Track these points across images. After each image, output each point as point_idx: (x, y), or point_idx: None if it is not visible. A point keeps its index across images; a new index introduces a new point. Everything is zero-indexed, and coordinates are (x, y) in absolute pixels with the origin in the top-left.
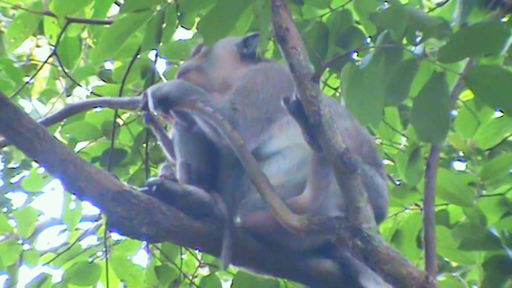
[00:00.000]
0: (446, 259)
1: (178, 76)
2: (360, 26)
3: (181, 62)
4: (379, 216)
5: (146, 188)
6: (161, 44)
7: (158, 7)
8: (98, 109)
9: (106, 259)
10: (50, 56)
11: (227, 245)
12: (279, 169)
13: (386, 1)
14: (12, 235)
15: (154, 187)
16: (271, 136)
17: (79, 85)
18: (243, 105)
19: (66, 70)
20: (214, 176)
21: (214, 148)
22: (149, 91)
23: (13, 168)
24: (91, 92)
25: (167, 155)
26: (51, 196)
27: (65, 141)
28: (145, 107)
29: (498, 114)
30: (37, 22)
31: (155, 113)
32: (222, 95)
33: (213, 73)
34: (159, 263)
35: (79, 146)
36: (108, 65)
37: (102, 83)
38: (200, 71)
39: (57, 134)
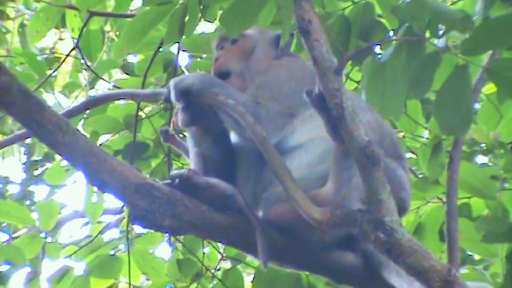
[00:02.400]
0: (468, 252)
1: (216, 74)
2: (382, 19)
3: (204, 56)
4: (402, 209)
5: (169, 181)
6: (183, 37)
7: (181, 0)
8: (121, 102)
9: (128, 252)
10: (72, 49)
11: (262, 244)
12: (301, 162)
13: None
14: (34, 227)
15: (177, 180)
16: (293, 130)
17: (101, 78)
18: (265, 99)
19: (89, 63)
20: (232, 170)
21: (231, 143)
22: (171, 82)
23: (36, 160)
24: (114, 85)
25: (192, 164)
26: (74, 189)
27: (87, 134)
28: (168, 99)
29: None
30: (59, 15)
31: (175, 104)
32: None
33: (251, 76)
34: (181, 256)
35: (102, 139)
36: (130, 58)
37: (125, 76)
38: (241, 76)
39: (79, 127)
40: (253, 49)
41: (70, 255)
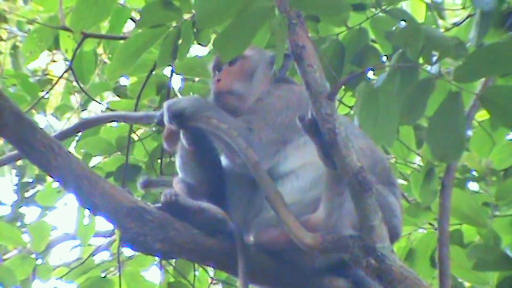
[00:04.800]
0: (459, 279)
1: (219, 95)
2: (376, 45)
3: (197, 79)
4: (393, 236)
5: (160, 204)
6: (176, 60)
7: (174, 23)
8: (113, 124)
9: (119, 274)
10: (66, 71)
11: (242, 268)
12: (293, 188)
13: (403, 20)
14: (25, 249)
15: (167, 203)
16: (286, 156)
17: (94, 100)
18: (259, 126)
19: (81, 85)
20: (222, 195)
21: (221, 168)
22: (164, 105)
23: (27, 182)
24: (107, 107)
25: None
26: (64, 211)
27: (79, 156)
28: (161, 122)
29: None
30: (53, 36)
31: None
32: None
33: (251, 98)
34: (172, 279)
35: (94, 161)
36: (122, 81)
37: (117, 98)
38: (242, 96)
39: (71, 149)
40: (255, 70)
41: (61, 277)
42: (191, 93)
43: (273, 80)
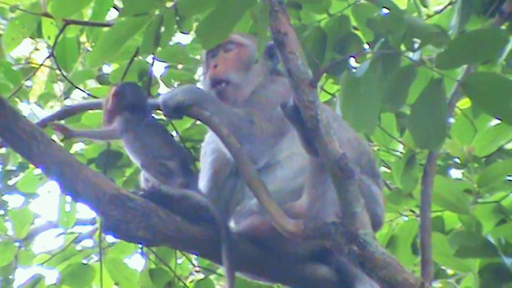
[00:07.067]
0: (442, 266)
1: (215, 83)
2: (358, 32)
3: (180, 66)
4: (376, 225)
5: (142, 192)
6: (159, 48)
7: (157, 12)
8: (95, 111)
9: (101, 261)
10: (48, 57)
11: (226, 255)
12: (276, 177)
13: (385, 7)
14: (7, 235)
15: (151, 187)
16: (281, 149)
17: (77, 87)
18: (259, 119)
19: (64, 74)
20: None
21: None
22: (160, 100)
23: (10, 170)
24: (89, 95)
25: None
26: (48, 199)
27: (61, 143)
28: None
29: (495, 121)
30: (35, 22)
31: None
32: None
33: (248, 88)
34: (153, 266)
35: (75, 147)
36: (105, 69)
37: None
38: (238, 86)
39: (54, 137)
40: (252, 59)
41: (43, 263)
42: (172, 80)
43: (270, 71)
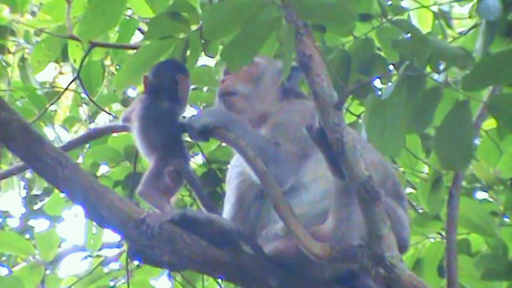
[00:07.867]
0: None
1: (223, 95)
2: (382, 53)
3: (205, 88)
4: (402, 248)
5: (168, 217)
6: None
7: (182, 35)
8: (121, 134)
9: (128, 283)
10: (73, 80)
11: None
12: (301, 200)
13: (409, 32)
14: (34, 259)
15: (176, 216)
16: (306, 171)
17: (103, 110)
18: (283, 141)
19: (89, 95)
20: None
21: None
22: (186, 122)
23: (36, 195)
24: (114, 117)
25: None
26: (74, 223)
27: (87, 166)
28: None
29: None
30: (61, 45)
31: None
32: (259, 128)
33: (258, 103)
34: None
35: (102, 170)
36: (130, 92)
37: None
38: (247, 98)
39: (79, 161)
40: (261, 76)
41: (70, 286)
42: (198, 102)
43: (283, 91)
